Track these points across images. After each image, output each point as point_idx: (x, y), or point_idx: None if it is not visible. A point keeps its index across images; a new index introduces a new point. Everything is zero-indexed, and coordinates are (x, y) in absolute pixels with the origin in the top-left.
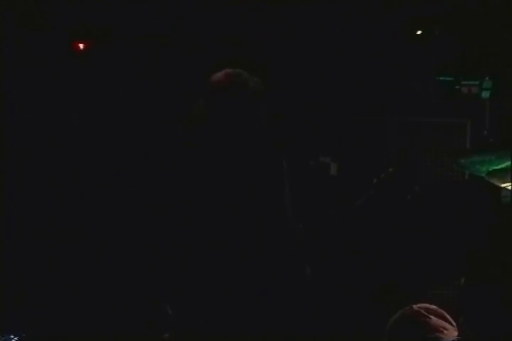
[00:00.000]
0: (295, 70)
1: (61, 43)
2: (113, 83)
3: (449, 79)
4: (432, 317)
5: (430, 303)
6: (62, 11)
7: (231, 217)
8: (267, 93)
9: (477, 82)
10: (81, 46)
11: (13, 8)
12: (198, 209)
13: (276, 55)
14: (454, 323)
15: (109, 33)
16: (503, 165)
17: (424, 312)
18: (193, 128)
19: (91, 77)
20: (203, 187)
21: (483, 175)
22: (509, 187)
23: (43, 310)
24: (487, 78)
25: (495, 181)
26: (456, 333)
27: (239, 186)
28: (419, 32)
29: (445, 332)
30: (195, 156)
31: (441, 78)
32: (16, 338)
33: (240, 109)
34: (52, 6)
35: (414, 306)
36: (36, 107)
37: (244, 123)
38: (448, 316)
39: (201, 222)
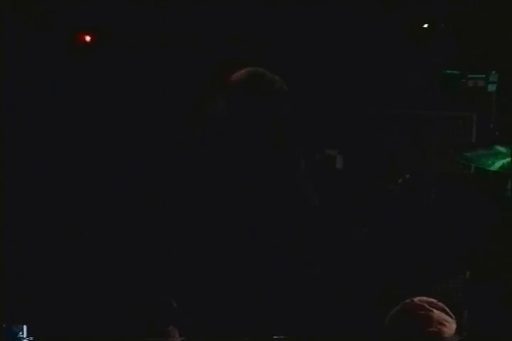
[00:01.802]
0: (300, 62)
1: (64, 38)
2: (119, 79)
3: (456, 72)
4: (435, 310)
5: (429, 297)
6: (65, 6)
7: (247, 213)
8: None
9: (483, 76)
10: (87, 38)
11: (15, 3)
12: (215, 204)
13: (280, 49)
14: (453, 316)
15: (112, 29)
16: (506, 159)
17: (426, 306)
18: (210, 128)
19: (94, 74)
20: (221, 184)
21: (489, 168)
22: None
23: (47, 300)
24: (493, 71)
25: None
26: (455, 325)
27: (257, 185)
28: (425, 25)
29: (447, 325)
30: (211, 155)
31: (447, 71)
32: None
33: (265, 110)
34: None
35: (415, 299)
36: (39, 104)
37: (268, 124)
38: (447, 309)
39: (216, 213)
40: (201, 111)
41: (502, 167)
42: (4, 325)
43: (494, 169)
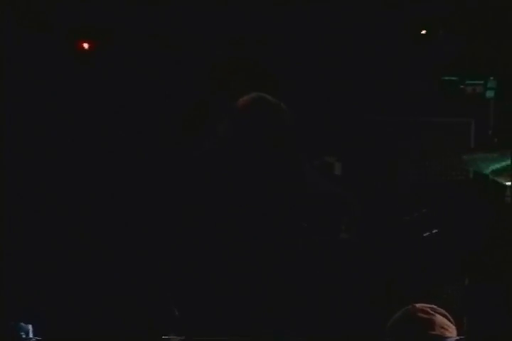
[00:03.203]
0: (299, 69)
1: (64, 43)
2: (118, 84)
3: (454, 78)
4: (437, 315)
5: (430, 303)
6: (64, 10)
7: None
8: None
9: (482, 82)
10: (85, 46)
11: (14, 8)
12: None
13: (278, 55)
14: (453, 322)
15: (112, 33)
16: (505, 164)
17: (429, 310)
18: (219, 150)
19: (93, 82)
20: (227, 193)
21: (486, 173)
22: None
23: (52, 302)
24: (492, 78)
25: (501, 179)
26: (455, 332)
27: (262, 194)
28: (423, 31)
29: (449, 329)
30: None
31: (445, 78)
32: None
33: (266, 137)
34: (54, 6)
35: (417, 305)
36: (38, 108)
37: (269, 149)
38: (448, 315)
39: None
40: (207, 131)
41: (500, 171)
42: (12, 324)
43: (493, 174)
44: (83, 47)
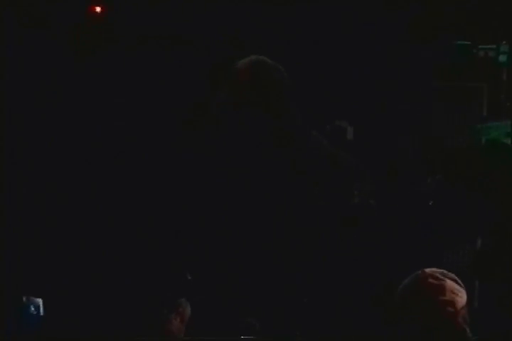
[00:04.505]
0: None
1: (75, 9)
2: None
3: (466, 43)
4: (447, 280)
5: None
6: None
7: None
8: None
9: (494, 46)
10: (98, 9)
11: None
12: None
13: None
14: (463, 286)
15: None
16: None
17: (439, 275)
18: (218, 117)
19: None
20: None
21: (498, 139)
22: None
23: (63, 274)
24: (504, 42)
25: None
26: (466, 296)
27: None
28: None
29: (459, 294)
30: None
31: (458, 42)
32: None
33: (263, 100)
34: None
35: (427, 270)
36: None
37: (267, 115)
38: (458, 279)
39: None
40: (207, 101)
41: (499, 135)
42: (24, 299)
43: (491, 137)
44: (95, 11)
